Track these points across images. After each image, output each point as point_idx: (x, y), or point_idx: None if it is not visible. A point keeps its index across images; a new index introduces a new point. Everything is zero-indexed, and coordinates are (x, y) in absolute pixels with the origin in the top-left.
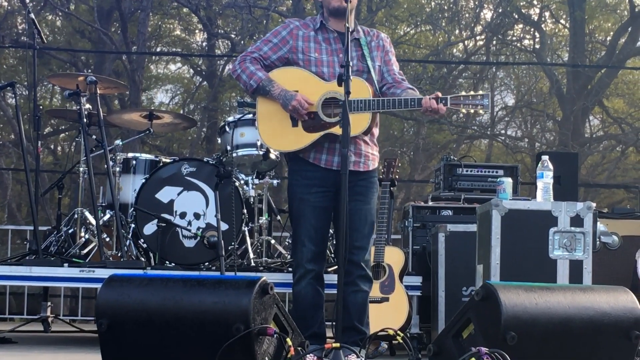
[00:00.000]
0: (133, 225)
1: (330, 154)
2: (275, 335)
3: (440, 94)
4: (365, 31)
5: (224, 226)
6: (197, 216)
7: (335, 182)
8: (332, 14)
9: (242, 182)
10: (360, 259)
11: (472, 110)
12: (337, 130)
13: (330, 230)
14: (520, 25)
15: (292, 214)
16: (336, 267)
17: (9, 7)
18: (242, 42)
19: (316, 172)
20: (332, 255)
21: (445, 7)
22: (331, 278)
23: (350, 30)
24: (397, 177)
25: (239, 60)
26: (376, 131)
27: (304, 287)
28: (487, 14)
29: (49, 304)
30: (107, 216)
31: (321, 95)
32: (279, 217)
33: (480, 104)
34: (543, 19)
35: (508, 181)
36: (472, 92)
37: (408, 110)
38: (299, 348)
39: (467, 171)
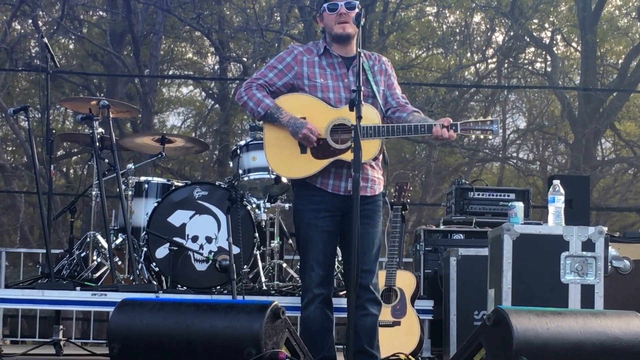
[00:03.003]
0: (145, 249)
1: (337, 179)
2: None
3: (451, 120)
4: (367, 55)
5: (235, 250)
6: (209, 240)
7: (342, 206)
8: (335, 40)
9: (253, 205)
10: (368, 282)
11: (481, 136)
12: (345, 156)
13: (338, 254)
14: (532, 49)
15: (300, 239)
16: (345, 291)
17: (22, 31)
18: (254, 65)
19: (323, 197)
20: (342, 279)
21: (457, 30)
22: (340, 302)
23: (352, 55)
24: (408, 200)
25: (244, 87)
26: (380, 155)
27: (313, 311)
28: (499, 37)
29: (60, 327)
30: (119, 240)
31: (330, 121)
32: (290, 241)
33: (489, 129)
34: (555, 42)
35: (519, 205)
36: (481, 118)
37: (432, 140)
38: None
39: (478, 195)
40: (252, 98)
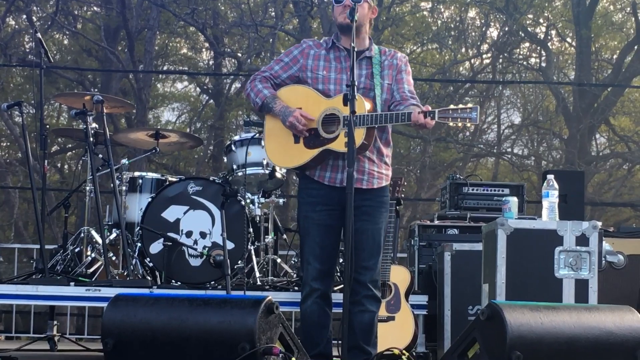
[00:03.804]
0: (139, 244)
1: (333, 172)
2: (280, 355)
3: (429, 107)
4: (382, 51)
5: (230, 245)
6: (203, 235)
7: (340, 200)
8: (341, 31)
9: (248, 201)
10: (366, 279)
11: (460, 124)
12: (334, 146)
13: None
14: (527, 44)
15: (299, 232)
16: (342, 286)
17: (16, 26)
18: (249, 60)
19: (320, 190)
20: (339, 274)
21: (452, 26)
22: (338, 297)
23: (362, 48)
24: (402, 195)
25: (250, 79)
26: (386, 150)
27: (310, 305)
28: (494, 33)
29: (55, 322)
30: (114, 235)
31: (322, 111)
32: (284, 236)
33: (468, 116)
34: (549, 37)
35: (513, 200)
36: (460, 105)
37: (414, 129)
38: None
39: (473, 190)
40: (253, 89)
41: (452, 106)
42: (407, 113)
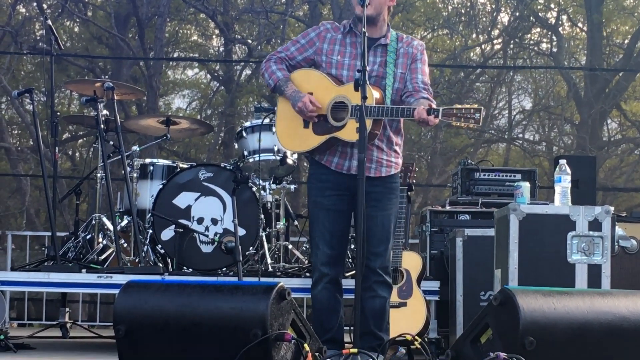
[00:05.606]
0: (151, 231)
1: (342, 158)
2: (292, 341)
3: (434, 105)
4: (399, 37)
5: (241, 232)
6: (214, 222)
7: (349, 186)
8: (359, 20)
9: (259, 187)
10: (376, 265)
11: (463, 124)
12: (341, 134)
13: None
14: (538, 29)
15: (309, 216)
16: (354, 272)
17: (27, 14)
18: (259, 47)
19: (329, 175)
20: (350, 260)
21: (462, 11)
22: (348, 283)
23: (378, 36)
24: (414, 181)
25: (266, 59)
26: (396, 139)
27: (320, 291)
28: (504, 18)
29: (67, 309)
30: (125, 222)
31: (331, 98)
32: (296, 222)
33: (472, 117)
34: (560, 22)
35: (526, 185)
36: (465, 105)
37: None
38: (317, 353)
39: (484, 175)
40: (267, 70)
41: (457, 105)
42: (412, 109)
